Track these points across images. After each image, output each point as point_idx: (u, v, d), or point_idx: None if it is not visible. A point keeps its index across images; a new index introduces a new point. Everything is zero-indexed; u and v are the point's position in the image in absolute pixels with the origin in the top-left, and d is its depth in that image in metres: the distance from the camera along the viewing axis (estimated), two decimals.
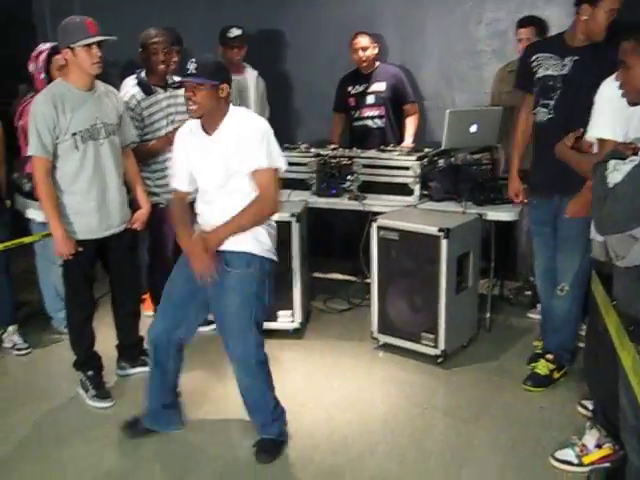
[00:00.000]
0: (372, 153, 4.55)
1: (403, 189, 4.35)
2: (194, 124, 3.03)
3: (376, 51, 5.04)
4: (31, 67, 4.04)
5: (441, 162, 4.38)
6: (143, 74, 4.06)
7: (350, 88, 5.13)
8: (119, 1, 5.73)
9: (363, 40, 4.97)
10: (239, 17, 5.12)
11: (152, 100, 4.00)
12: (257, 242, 3.00)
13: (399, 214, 4.13)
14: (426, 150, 4.54)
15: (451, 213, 4.13)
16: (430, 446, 3.25)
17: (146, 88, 4.00)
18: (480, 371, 3.91)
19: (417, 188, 4.33)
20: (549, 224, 3.64)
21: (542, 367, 3.71)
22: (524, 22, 4.54)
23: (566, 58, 3.46)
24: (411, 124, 5.10)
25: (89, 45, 3.27)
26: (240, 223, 2.94)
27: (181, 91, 3.83)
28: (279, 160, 2.96)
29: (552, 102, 3.51)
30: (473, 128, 4.29)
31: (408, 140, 5.00)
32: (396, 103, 5.10)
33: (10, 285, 4.29)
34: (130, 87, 4.02)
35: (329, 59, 5.43)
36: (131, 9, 5.65)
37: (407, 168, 4.33)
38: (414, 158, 4.35)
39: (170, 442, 3.31)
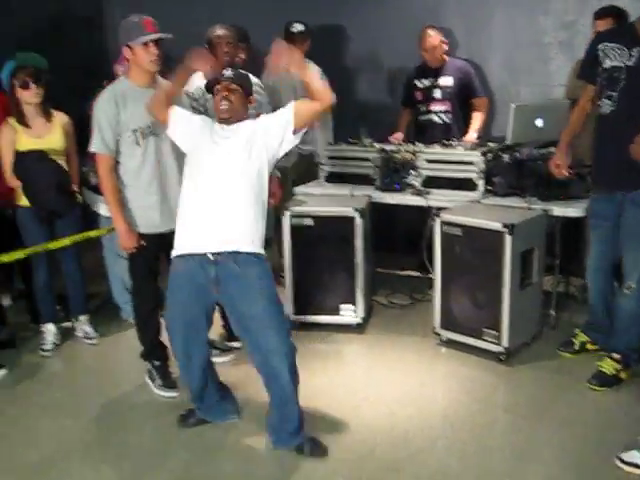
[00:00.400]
0: (436, 148, 4.53)
1: (467, 184, 4.32)
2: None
3: (445, 47, 4.99)
4: (120, 70, 4.17)
5: (506, 157, 4.33)
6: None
7: (417, 82, 5.09)
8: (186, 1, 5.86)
9: (432, 37, 4.93)
10: (302, 12, 5.17)
11: None
12: (260, 245, 3.03)
13: (463, 209, 4.11)
14: (490, 145, 4.49)
15: (516, 209, 4.08)
16: (490, 442, 3.23)
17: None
18: (543, 369, 3.86)
19: (481, 183, 4.29)
20: (610, 219, 3.59)
21: (608, 366, 3.65)
22: (601, 13, 4.32)
23: (634, 49, 3.38)
24: (477, 119, 5.02)
25: (146, 43, 3.37)
26: (322, 86, 3.06)
27: None
28: None
29: (616, 94, 3.44)
30: (539, 122, 4.23)
31: (472, 135, 4.92)
32: (464, 98, 5.04)
33: (82, 277, 4.44)
34: (197, 79, 4.09)
35: (393, 53, 5.42)
36: (198, 7, 5.76)
37: (471, 163, 4.30)
38: (478, 153, 4.31)
39: (231, 431, 3.37)
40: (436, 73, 5.03)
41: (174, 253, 3.09)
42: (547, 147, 4.35)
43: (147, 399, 3.72)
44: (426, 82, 5.06)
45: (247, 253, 2.97)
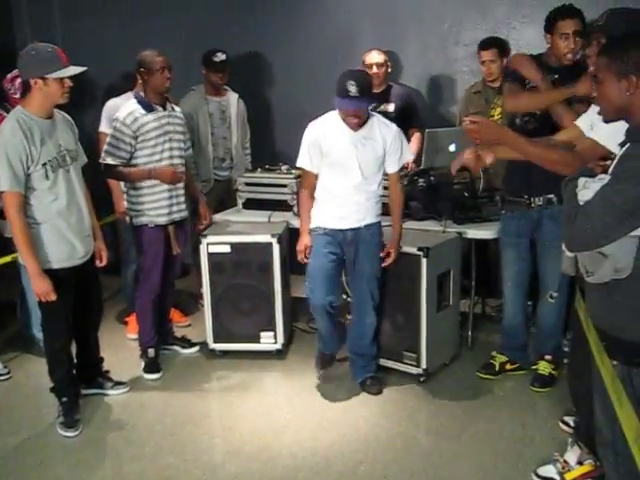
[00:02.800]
0: None
1: (384, 209, 4.35)
2: (328, 121, 3.67)
3: (389, 70, 4.97)
4: (7, 86, 4.14)
5: (421, 181, 4.40)
6: (142, 93, 4.07)
7: None
8: (99, 25, 5.80)
9: (377, 57, 4.87)
10: (219, 38, 5.19)
11: (152, 117, 3.98)
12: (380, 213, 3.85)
13: None
14: (405, 170, 4.56)
15: (431, 232, 4.15)
16: (412, 465, 3.24)
17: (146, 106, 3.99)
18: (462, 389, 3.92)
19: None
20: (525, 235, 3.79)
21: (544, 368, 3.88)
22: (485, 44, 4.60)
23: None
24: (413, 145, 4.86)
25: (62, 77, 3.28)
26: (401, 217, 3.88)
27: (178, 112, 4.18)
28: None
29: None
30: (452, 147, 4.31)
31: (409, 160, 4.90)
32: (403, 126, 4.94)
33: None
34: (130, 104, 4.01)
35: (310, 77, 5.46)
36: (110, 31, 5.72)
37: (386, 188, 4.34)
38: None
39: (145, 469, 3.29)
40: (379, 98, 4.91)
41: (319, 224, 3.77)
42: (461, 171, 4.44)
43: (59, 436, 3.57)
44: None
45: (375, 223, 3.80)
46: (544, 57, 3.66)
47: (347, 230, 3.75)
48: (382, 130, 3.70)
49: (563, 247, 2.25)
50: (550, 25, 3.56)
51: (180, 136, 4.14)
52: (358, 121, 3.57)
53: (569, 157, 2.64)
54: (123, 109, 4.00)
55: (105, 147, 3.97)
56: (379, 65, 4.88)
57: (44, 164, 3.31)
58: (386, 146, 3.70)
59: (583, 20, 3.54)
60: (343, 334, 4.07)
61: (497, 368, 4.03)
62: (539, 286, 3.88)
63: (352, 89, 3.36)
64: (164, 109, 4.06)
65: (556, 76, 3.57)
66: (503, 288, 4.01)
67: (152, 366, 4.21)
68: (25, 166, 3.26)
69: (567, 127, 3.08)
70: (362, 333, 3.93)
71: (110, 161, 3.96)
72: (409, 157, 3.92)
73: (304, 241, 3.81)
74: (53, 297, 3.36)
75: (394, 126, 3.77)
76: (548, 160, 2.64)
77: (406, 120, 4.95)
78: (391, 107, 4.98)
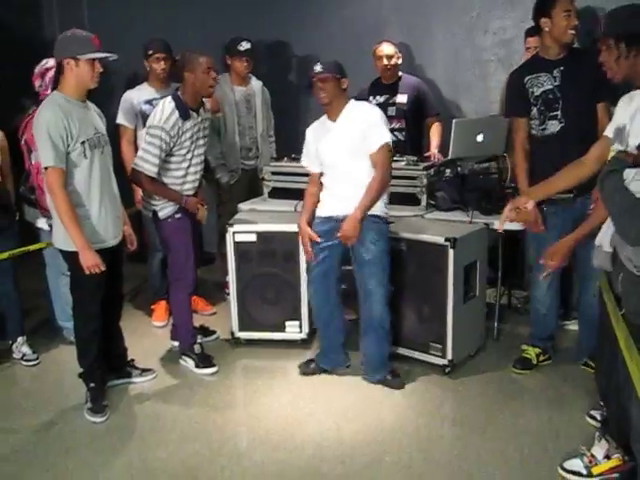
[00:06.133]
0: None
1: (410, 199, 4.34)
2: (322, 119, 3.83)
3: (400, 61, 4.94)
4: (37, 83, 4.10)
5: (448, 172, 4.37)
6: (179, 94, 3.87)
7: (372, 99, 4.98)
8: (125, 17, 5.83)
9: (388, 48, 4.86)
10: (241, 27, 5.18)
11: (188, 125, 3.86)
12: (383, 206, 3.77)
13: (406, 224, 4.12)
14: (432, 160, 4.53)
15: (458, 223, 4.12)
16: (437, 456, 3.23)
17: (183, 112, 3.82)
18: (488, 380, 3.90)
19: (424, 198, 4.31)
20: (567, 229, 3.45)
21: None
22: (532, 31, 4.48)
23: (554, 70, 3.65)
24: (435, 135, 4.95)
25: (93, 60, 3.34)
26: (372, 199, 3.67)
27: (208, 114, 4.14)
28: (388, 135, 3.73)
29: (559, 112, 3.64)
30: (479, 137, 4.28)
31: (434, 152, 4.85)
32: (418, 116, 4.98)
33: (18, 297, 4.31)
34: (170, 108, 3.81)
35: None
36: (135, 23, 5.73)
37: (414, 178, 4.33)
38: (420, 168, 4.35)
39: (170, 456, 3.31)
40: (391, 90, 4.95)
41: (317, 213, 3.88)
42: (488, 162, 4.42)
43: (86, 422, 3.61)
44: (381, 99, 4.97)
45: (372, 215, 3.69)
46: (538, 56, 3.75)
47: (339, 217, 3.72)
48: (359, 112, 3.74)
49: (596, 242, 2.20)
50: (547, 7, 3.55)
51: (202, 141, 4.02)
52: (323, 94, 3.67)
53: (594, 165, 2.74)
54: (164, 115, 3.79)
55: (143, 154, 3.81)
56: (389, 57, 4.86)
57: (82, 142, 3.38)
58: (364, 125, 3.67)
59: None
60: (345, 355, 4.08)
61: (535, 362, 3.95)
62: (582, 281, 3.88)
63: (316, 67, 3.69)
64: (197, 114, 3.93)
65: (562, 68, 3.61)
66: (534, 279, 3.93)
67: (205, 360, 4.13)
68: (65, 143, 3.33)
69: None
70: (375, 332, 3.83)
71: (146, 171, 3.81)
72: (385, 138, 3.69)
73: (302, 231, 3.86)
74: (103, 268, 3.41)
75: (374, 108, 3.87)
76: (578, 180, 2.85)
77: (421, 109, 4.96)
78: (404, 98, 4.94)
